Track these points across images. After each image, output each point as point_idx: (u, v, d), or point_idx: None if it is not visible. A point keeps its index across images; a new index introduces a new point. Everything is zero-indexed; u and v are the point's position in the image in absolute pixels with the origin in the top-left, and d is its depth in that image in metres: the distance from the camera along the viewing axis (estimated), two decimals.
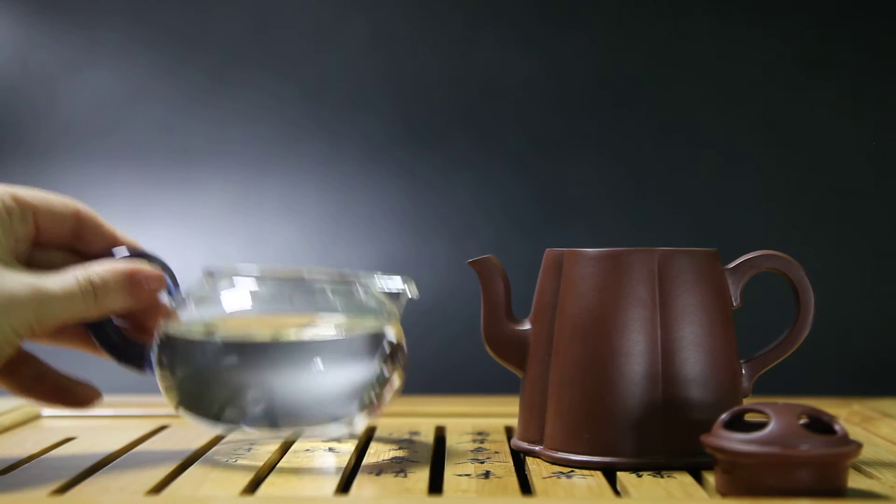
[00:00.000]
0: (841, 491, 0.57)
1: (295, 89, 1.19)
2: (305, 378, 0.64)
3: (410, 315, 1.19)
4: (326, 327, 0.66)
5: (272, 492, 0.60)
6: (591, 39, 1.18)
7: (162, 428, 0.81)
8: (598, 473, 0.64)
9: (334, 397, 0.65)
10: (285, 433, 0.68)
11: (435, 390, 1.01)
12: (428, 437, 0.76)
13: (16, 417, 0.84)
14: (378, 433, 0.78)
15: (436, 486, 0.62)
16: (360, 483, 0.62)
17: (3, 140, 1.20)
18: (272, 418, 0.65)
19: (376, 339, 0.66)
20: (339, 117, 1.19)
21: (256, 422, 0.65)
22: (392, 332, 0.67)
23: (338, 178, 1.19)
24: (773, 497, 0.55)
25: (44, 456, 0.70)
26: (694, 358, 0.66)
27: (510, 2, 1.17)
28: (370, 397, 0.66)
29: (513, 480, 0.63)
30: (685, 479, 0.63)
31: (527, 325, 0.70)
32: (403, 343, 0.68)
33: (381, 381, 0.66)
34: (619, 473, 0.64)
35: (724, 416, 0.59)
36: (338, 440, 0.73)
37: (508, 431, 0.79)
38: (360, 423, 0.68)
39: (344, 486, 0.62)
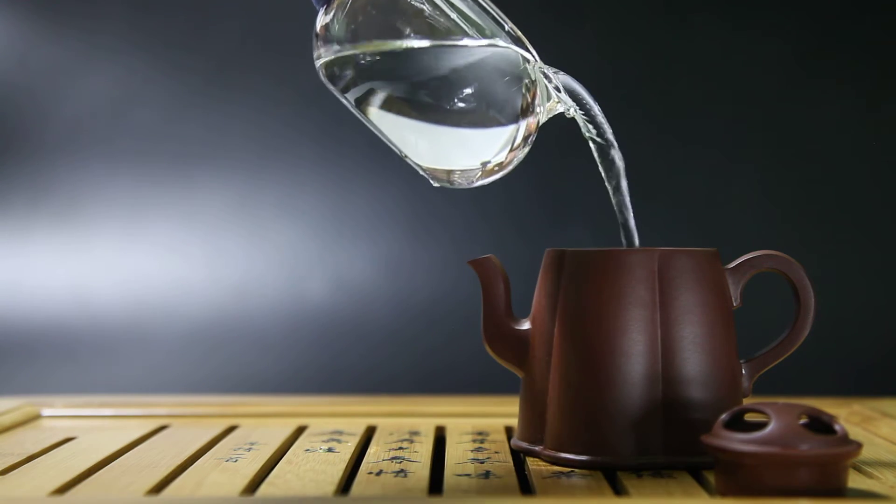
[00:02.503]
0: (841, 491, 0.57)
1: (294, 91, 1.19)
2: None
3: (409, 313, 1.19)
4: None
5: (272, 492, 0.60)
6: (592, 39, 1.18)
7: (162, 428, 0.81)
8: (598, 473, 0.64)
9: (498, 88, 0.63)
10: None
11: (434, 388, 1.01)
12: (428, 437, 0.76)
13: (16, 417, 0.84)
14: (378, 433, 0.78)
15: (436, 486, 0.62)
16: (360, 483, 0.62)
17: (5, 141, 1.20)
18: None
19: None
20: (337, 118, 1.19)
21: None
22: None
23: (337, 178, 1.19)
24: (773, 497, 0.55)
25: (44, 456, 0.70)
26: (694, 358, 0.66)
27: (509, 1, 1.17)
28: (525, 101, 0.64)
29: (513, 480, 0.63)
30: (685, 479, 0.63)
31: (527, 325, 0.70)
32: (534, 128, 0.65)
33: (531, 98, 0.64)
34: (619, 473, 0.64)
35: (724, 416, 0.59)
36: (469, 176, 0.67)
37: (508, 431, 0.79)
38: (503, 147, 0.64)
39: (344, 486, 0.62)
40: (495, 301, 0.70)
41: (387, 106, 0.65)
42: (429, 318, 1.17)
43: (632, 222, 0.69)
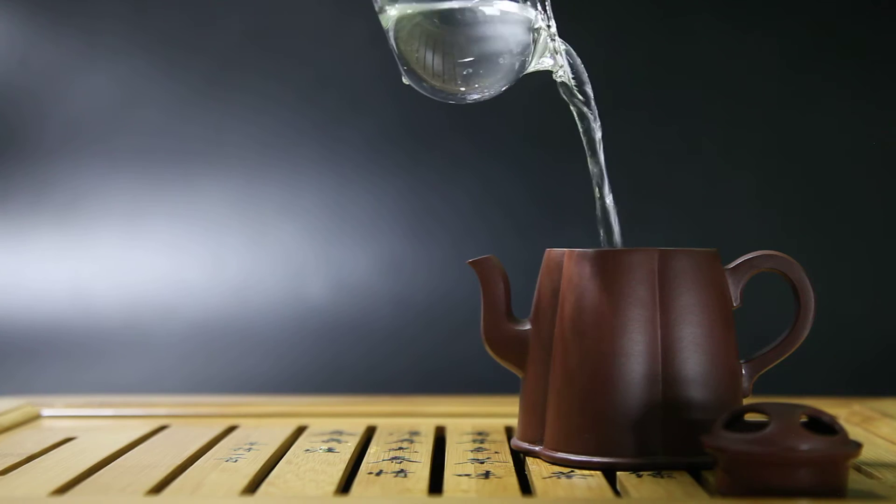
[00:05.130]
0: (841, 491, 0.57)
1: (294, 91, 1.19)
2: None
3: (409, 313, 1.19)
4: None
5: (272, 492, 0.60)
6: (591, 39, 1.18)
7: (162, 428, 0.81)
8: (598, 473, 0.64)
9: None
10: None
11: (434, 389, 1.01)
12: (428, 437, 0.76)
13: (16, 417, 0.84)
14: (378, 433, 0.78)
15: (436, 486, 0.62)
16: (360, 483, 0.62)
17: (5, 140, 1.20)
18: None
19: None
20: (337, 118, 1.19)
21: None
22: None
23: (337, 178, 1.19)
24: (773, 497, 0.55)
25: (44, 456, 0.70)
26: (694, 358, 0.66)
27: None
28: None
29: (513, 480, 0.63)
30: (685, 479, 0.63)
31: (527, 325, 0.70)
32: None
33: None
34: (619, 473, 0.64)
35: (724, 416, 0.59)
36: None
37: (508, 431, 0.79)
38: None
39: (344, 486, 0.62)
40: (495, 301, 0.70)
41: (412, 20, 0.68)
42: (429, 319, 1.17)
43: (609, 199, 0.71)
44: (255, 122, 1.19)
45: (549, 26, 0.69)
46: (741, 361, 0.69)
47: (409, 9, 0.67)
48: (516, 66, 0.68)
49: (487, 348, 0.71)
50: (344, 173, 1.19)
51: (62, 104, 1.20)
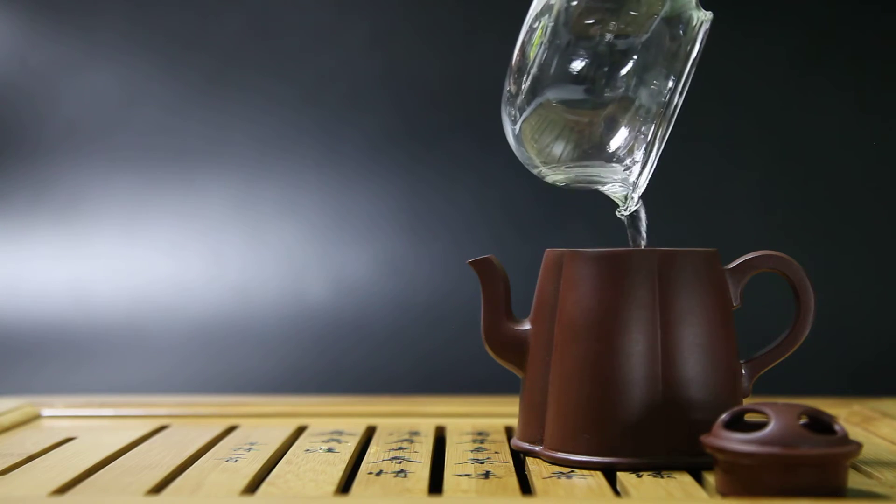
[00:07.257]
0: (841, 491, 0.57)
1: (294, 90, 1.19)
2: None
3: (409, 313, 1.19)
4: None
5: (272, 492, 0.60)
6: None
7: (162, 428, 0.81)
8: (598, 473, 0.64)
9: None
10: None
11: (434, 389, 1.01)
12: (428, 437, 0.76)
13: (16, 417, 0.84)
14: (378, 433, 0.78)
15: (436, 486, 0.62)
16: (360, 483, 0.62)
17: (4, 140, 1.20)
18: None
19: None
20: (338, 118, 1.19)
21: None
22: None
23: (337, 178, 1.19)
24: (773, 497, 0.55)
25: (44, 456, 0.70)
26: (694, 358, 0.66)
27: (509, 1, 1.17)
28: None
29: (513, 480, 0.63)
30: (685, 479, 0.63)
31: (527, 325, 0.70)
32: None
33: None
34: (619, 473, 0.64)
35: (724, 417, 0.59)
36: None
37: (508, 431, 0.79)
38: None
39: (344, 486, 0.62)
40: (495, 301, 0.70)
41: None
42: (429, 319, 1.17)
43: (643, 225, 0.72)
44: (256, 122, 1.19)
45: (636, 180, 0.71)
46: (741, 361, 0.69)
47: (551, 164, 0.72)
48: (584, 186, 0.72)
49: (487, 348, 0.71)
50: (344, 173, 1.19)
51: (62, 103, 1.20)
